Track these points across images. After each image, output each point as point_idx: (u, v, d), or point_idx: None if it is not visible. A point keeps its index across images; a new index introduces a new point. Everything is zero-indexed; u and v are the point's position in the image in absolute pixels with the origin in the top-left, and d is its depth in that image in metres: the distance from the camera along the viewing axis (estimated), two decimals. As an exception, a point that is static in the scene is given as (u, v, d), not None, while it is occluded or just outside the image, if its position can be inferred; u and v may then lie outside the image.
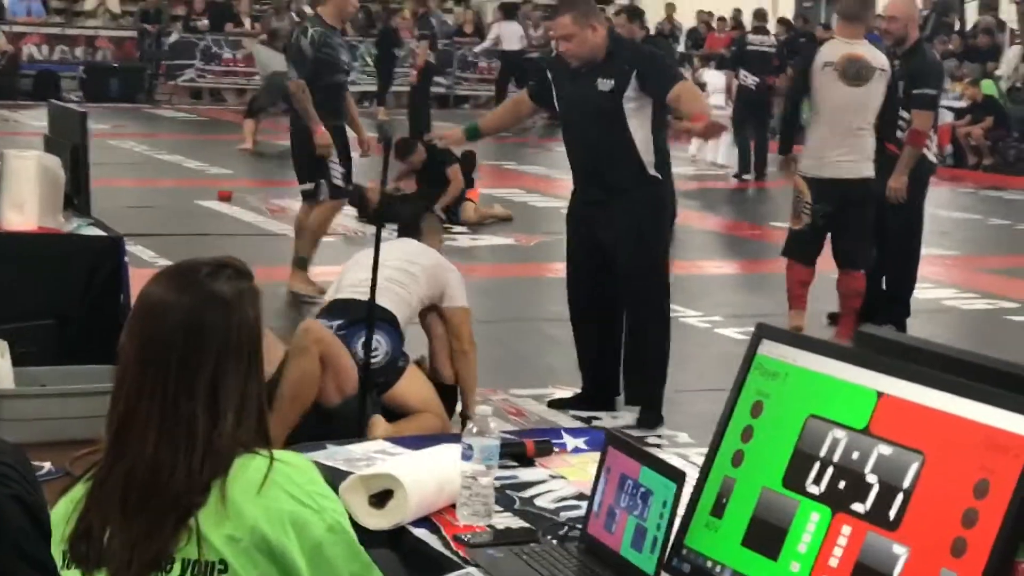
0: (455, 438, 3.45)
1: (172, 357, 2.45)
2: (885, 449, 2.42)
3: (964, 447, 2.30)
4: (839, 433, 2.51)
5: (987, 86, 20.44)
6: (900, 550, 2.33)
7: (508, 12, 25.57)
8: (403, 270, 6.13)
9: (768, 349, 2.72)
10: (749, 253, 12.76)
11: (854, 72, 8.54)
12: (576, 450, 3.78)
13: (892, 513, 2.37)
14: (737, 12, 25.85)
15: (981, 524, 2.24)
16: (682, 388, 7.93)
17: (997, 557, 2.21)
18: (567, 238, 7.22)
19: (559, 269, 11.56)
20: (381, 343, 5.78)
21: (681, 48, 27.45)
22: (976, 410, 2.31)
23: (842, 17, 9.02)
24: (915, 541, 2.32)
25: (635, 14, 14.53)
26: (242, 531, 2.39)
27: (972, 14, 27.68)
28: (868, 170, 8.68)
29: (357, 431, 5.20)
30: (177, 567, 2.41)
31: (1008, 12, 26.15)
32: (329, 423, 4.49)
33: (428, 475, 3.25)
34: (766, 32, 19.16)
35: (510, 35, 24.38)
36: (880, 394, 2.48)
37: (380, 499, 3.19)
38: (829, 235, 8.91)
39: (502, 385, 7.46)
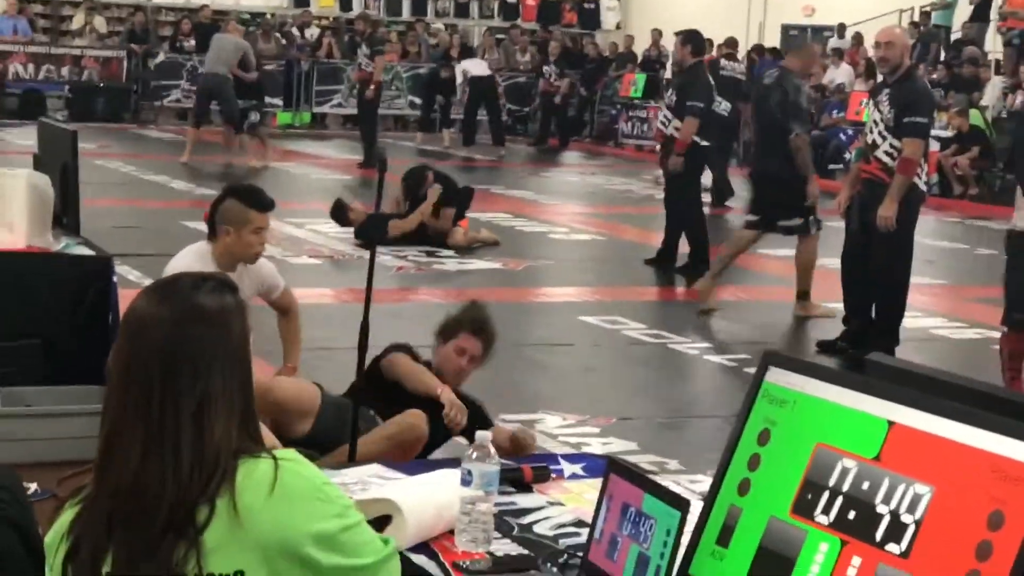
0: (454, 463, 3.41)
1: (155, 372, 2.43)
2: (896, 479, 2.38)
3: (977, 477, 2.27)
4: (849, 463, 2.47)
5: (974, 116, 20.49)
6: (912, 582, 2.29)
7: (465, 52, 25.74)
8: None
9: (775, 376, 2.68)
10: (735, 280, 12.74)
11: None
12: (573, 476, 3.75)
13: (903, 544, 2.33)
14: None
15: (996, 557, 2.20)
16: (673, 415, 7.91)
17: (1012, 590, 2.17)
18: None
19: (546, 294, 11.60)
20: None
21: (668, 75, 27.47)
22: (990, 440, 2.27)
23: None
24: (927, 573, 2.28)
25: (690, 38, 13.00)
26: (259, 537, 2.37)
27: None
28: None
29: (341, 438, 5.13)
30: None
31: (994, 43, 26.20)
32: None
33: (426, 501, 3.21)
34: (736, 59, 19.04)
35: (474, 66, 24.54)
36: (891, 423, 2.44)
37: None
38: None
39: (491, 411, 7.41)
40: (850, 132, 20.61)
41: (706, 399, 8.42)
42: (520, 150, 25.61)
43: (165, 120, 26.27)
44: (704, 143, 12.63)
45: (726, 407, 7.58)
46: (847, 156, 19.67)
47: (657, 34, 28.96)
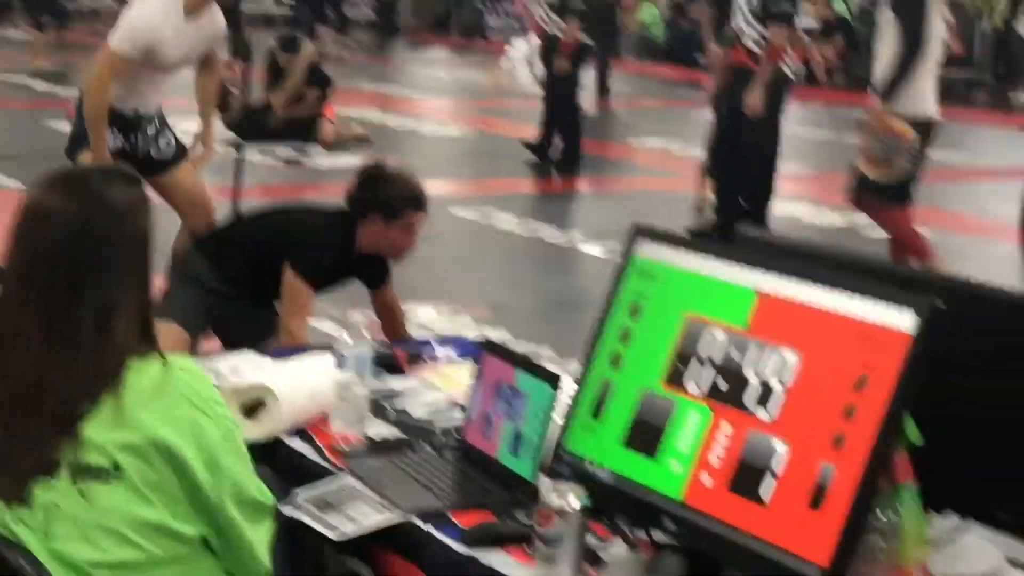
0: (327, 348, 3.41)
1: (60, 266, 2.37)
2: (764, 347, 2.42)
3: (843, 343, 2.31)
4: (718, 332, 2.51)
5: (838, 5, 20.65)
6: (780, 446, 2.33)
7: None
8: None
9: (645, 250, 2.71)
10: (606, 171, 12.80)
11: None
12: (448, 360, 3.76)
13: (772, 410, 2.37)
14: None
15: (860, 418, 2.25)
16: (546, 304, 7.96)
17: (877, 450, 2.22)
18: None
19: (418, 188, 11.56)
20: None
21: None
22: (855, 305, 2.31)
23: None
24: (795, 437, 2.32)
25: None
26: (139, 437, 2.35)
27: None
28: None
29: None
30: (65, 473, 2.36)
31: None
32: None
33: (301, 385, 3.20)
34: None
35: None
36: (759, 292, 2.47)
37: (252, 410, 3.14)
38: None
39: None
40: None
41: (579, 288, 8.47)
42: (389, 44, 25.41)
43: (21, 19, 25.64)
44: (588, 41, 12.62)
45: (599, 296, 7.63)
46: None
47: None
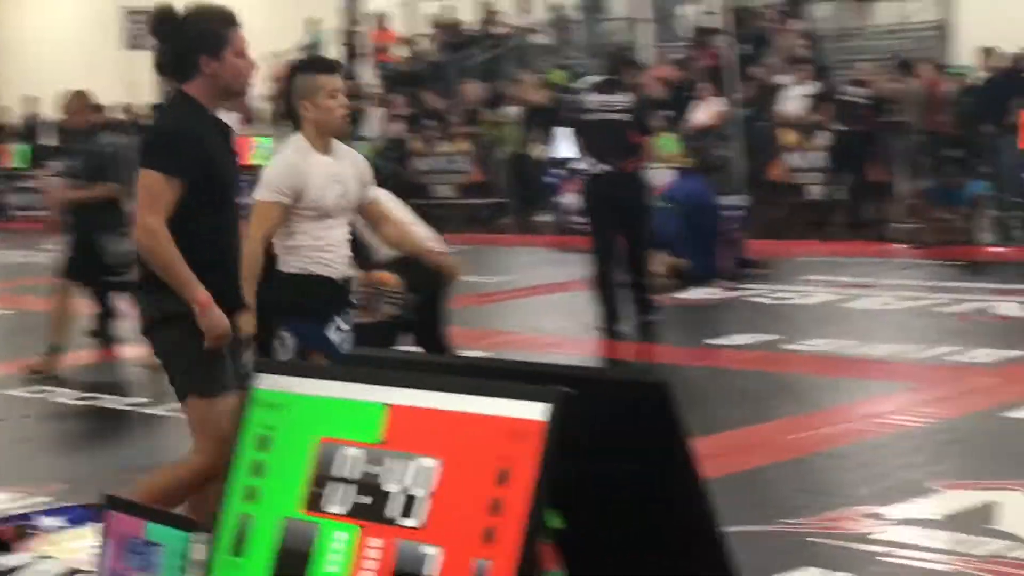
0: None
1: None
2: (401, 458, 2.48)
3: (481, 441, 2.39)
4: (353, 451, 2.55)
5: (362, 148, 21.10)
6: (431, 550, 2.39)
7: None
8: None
9: (265, 383, 2.73)
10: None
11: None
12: (58, 529, 3.64)
13: (418, 517, 2.43)
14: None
15: (507, 510, 2.33)
16: (120, 470, 7.77)
17: (527, 538, 2.30)
18: None
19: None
20: None
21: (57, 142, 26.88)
22: (488, 405, 2.40)
23: None
24: (445, 538, 2.38)
25: None
26: None
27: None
28: None
29: None
30: None
31: (369, 76, 27.10)
32: None
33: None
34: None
35: None
36: (387, 406, 2.53)
37: None
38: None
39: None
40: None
41: (156, 449, 8.31)
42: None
43: None
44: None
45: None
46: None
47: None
